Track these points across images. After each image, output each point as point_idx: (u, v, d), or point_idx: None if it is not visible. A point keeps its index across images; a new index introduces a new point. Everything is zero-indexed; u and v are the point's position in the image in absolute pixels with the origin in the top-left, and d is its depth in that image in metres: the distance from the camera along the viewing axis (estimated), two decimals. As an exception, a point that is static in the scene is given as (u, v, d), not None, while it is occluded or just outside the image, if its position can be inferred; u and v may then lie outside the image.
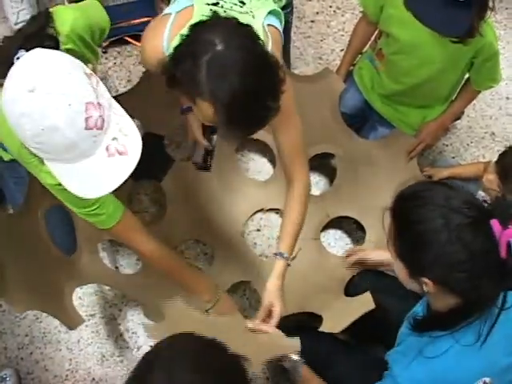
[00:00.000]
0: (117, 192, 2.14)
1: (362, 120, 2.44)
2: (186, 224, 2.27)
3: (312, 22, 2.88)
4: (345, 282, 2.08)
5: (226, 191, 2.35)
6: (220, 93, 1.33)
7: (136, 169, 2.29)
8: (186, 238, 2.31)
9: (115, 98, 2.21)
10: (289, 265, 1.78)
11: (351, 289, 2.06)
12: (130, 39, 2.65)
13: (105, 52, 2.63)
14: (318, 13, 2.90)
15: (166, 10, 1.63)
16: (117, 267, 2.28)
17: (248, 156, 2.51)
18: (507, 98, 2.85)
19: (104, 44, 2.61)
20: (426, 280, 1.27)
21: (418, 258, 1.28)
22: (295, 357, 1.66)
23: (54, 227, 1.91)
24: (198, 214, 2.30)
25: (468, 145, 2.73)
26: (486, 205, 1.29)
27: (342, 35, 2.85)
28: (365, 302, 1.81)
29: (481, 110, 2.82)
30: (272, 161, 2.46)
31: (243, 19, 1.47)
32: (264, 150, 2.44)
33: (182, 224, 2.26)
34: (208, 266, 2.28)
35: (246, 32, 1.41)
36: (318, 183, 2.46)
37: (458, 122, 2.73)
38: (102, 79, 2.48)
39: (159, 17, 1.65)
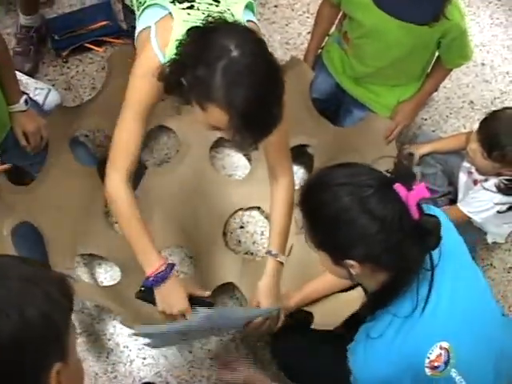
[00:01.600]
0: (90, 205, 2.14)
1: (335, 104, 2.38)
2: (165, 231, 2.22)
3: (275, 6, 2.80)
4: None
5: (204, 193, 2.30)
6: (236, 100, 1.31)
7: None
8: (167, 244, 2.25)
9: (79, 106, 2.20)
10: (281, 263, 1.77)
11: None
12: (90, 45, 2.57)
13: (65, 62, 2.54)
14: (280, -3, 2.83)
15: (142, 25, 1.60)
16: (98, 282, 2.23)
17: (223, 152, 2.44)
18: (482, 65, 2.80)
19: (64, 53, 2.53)
20: (350, 262, 1.25)
21: (334, 242, 1.27)
22: None
23: (21, 246, 1.83)
24: (177, 219, 2.25)
25: (447, 116, 2.68)
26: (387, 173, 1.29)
27: (308, 17, 2.77)
28: (357, 296, 1.77)
29: (457, 79, 2.76)
30: (247, 155, 2.40)
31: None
32: (239, 144, 2.38)
33: (162, 231, 2.20)
34: (194, 270, 2.23)
35: (255, 37, 1.41)
36: (297, 173, 2.39)
37: (435, 93, 2.67)
38: (65, 89, 2.47)
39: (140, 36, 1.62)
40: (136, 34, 1.65)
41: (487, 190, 2.07)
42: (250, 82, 1.33)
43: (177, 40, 1.45)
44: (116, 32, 2.56)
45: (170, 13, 1.53)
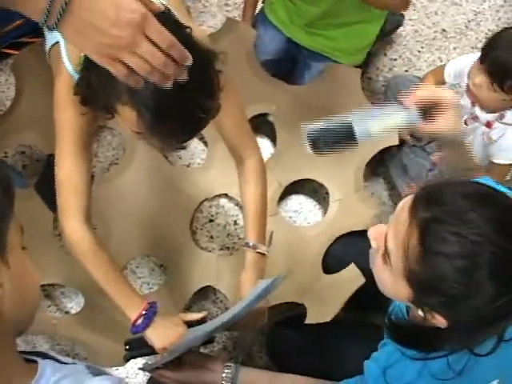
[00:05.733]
0: (35, 231, 1.88)
1: (290, 62, 2.10)
2: (127, 242, 1.95)
3: (207, -34, 2.50)
4: (321, 256, 1.80)
5: (162, 191, 2.02)
6: (140, 92, 1.07)
7: (50, 196, 1.98)
8: (132, 256, 1.99)
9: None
10: (263, 254, 1.52)
11: (331, 262, 1.79)
12: (8, 50, 2.28)
13: (-17, 74, 2.26)
14: (211, -45, 2.52)
15: (51, 40, 1.38)
16: (67, 312, 1.97)
17: (177, 141, 2.16)
18: (448, -14, 2.50)
19: (-20, 65, 2.24)
20: (436, 315, 0.95)
21: (436, 296, 0.93)
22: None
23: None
24: (138, 226, 1.98)
25: (419, 51, 2.39)
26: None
27: (245, -29, 2.47)
28: (351, 278, 1.60)
29: (423, 7, 2.47)
30: (202, 139, 2.12)
31: None
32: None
33: (124, 243, 1.94)
34: (166, 279, 1.97)
35: (165, 18, 1.12)
36: (263, 147, 2.10)
37: (401, 28, 2.39)
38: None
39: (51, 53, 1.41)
40: (47, 50, 1.43)
41: None
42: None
43: None
44: (34, 30, 2.26)
45: None
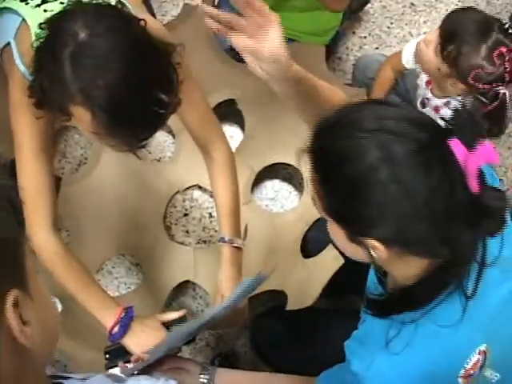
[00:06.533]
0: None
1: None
2: (101, 242, 1.90)
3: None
4: (299, 240, 1.77)
5: (133, 186, 1.96)
6: (93, 91, 1.06)
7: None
8: (107, 257, 1.94)
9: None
10: (238, 247, 1.48)
11: (310, 247, 1.76)
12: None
13: None
14: None
15: (3, 41, 1.32)
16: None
17: (145, 135, 2.10)
18: (413, -42, 2.45)
19: None
20: (373, 242, 0.88)
21: (355, 213, 0.89)
22: None
23: None
24: (111, 225, 1.92)
25: (389, 27, 2.34)
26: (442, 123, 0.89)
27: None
28: (330, 260, 1.58)
29: (389, -18, 2.41)
30: (171, 132, 2.06)
31: None
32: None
33: (98, 244, 1.89)
34: (143, 278, 1.91)
35: (114, 13, 1.15)
36: (233, 136, 2.06)
37: (369, 5, 2.34)
38: None
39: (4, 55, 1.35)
40: None
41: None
42: (110, 66, 1.06)
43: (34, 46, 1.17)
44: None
45: (25, 19, 1.25)
